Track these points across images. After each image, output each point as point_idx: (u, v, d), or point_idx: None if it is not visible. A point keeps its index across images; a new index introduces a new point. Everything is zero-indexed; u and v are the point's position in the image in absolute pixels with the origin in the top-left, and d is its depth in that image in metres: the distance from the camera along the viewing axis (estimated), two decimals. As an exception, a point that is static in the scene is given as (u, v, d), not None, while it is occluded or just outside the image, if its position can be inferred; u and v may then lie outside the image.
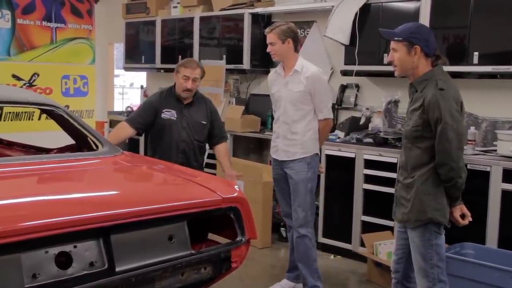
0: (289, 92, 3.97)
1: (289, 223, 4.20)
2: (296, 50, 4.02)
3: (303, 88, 3.90)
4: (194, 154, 4.14)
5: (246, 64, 6.16)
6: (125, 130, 4.12)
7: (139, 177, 3.14)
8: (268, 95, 6.17)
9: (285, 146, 4.03)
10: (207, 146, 4.35)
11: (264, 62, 6.25)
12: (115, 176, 3.12)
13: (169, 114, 4.13)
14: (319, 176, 4.26)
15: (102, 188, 2.79)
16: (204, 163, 4.36)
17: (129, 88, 18.62)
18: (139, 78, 15.58)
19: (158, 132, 4.15)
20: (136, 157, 3.53)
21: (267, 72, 6.32)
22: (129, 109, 7.44)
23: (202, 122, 4.16)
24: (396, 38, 2.95)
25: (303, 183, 3.94)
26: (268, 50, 4.02)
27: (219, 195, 2.80)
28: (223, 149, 4.28)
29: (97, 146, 3.37)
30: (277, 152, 4.10)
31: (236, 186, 3.02)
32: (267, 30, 4.03)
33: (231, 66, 6.27)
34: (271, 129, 5.78)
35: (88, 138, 3.43)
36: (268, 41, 4.00)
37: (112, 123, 7.49)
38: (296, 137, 3.98)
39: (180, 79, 4.11)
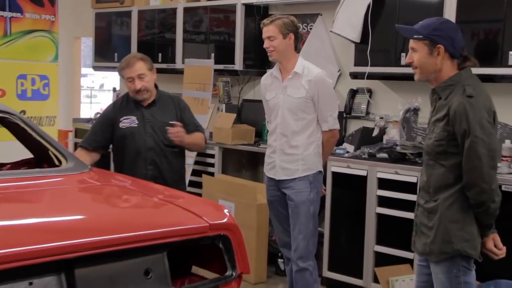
0: (288, 98, 3.98)
1: (287, 255, 4.19)
2: (297, 49, 4.04)
3: (305, 93, 3.93)
4: (168, 164, 4.12)
5: (238, 64, 6.18)
6: (83, 158, 4.03)
7: (110, 199, 3.12)
8: None
9: (283, 163, 4.02)
10: (190, 160, 4.34)
11: (259, 62, 6.27)
12: (81, 198, 3.10)
13: (128, 121, 4.13)
14: (322, 198, 4.26)
15: (65, 213, 2.76)
16: (185, 176, 4.31)
17: (99, 91, 18.65)
18: (110, 78, 15.64)
19: (120, 145, 4.15)
20: (107, 175, 3.53)
21: (263, 74, 6.34)
22: (98, 115, 7.42)
23: (170, 122, 4.13)
24: (415, 36, 2.96)
25: (304, 206, 3.94)
26: (265, 45, 4.01)
27: (205, 220, 2.78)
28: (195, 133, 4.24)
29: (60, 161, 3.36)
30: (273, 170, 4.09)
31: (225, 210, 3.01)
32: (265, 21, 4.03)
33: (221, 67, 6.28)
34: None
35: (49, 151, 3.42)
36: (266, 34, 4.00)
37: (78, 132, 7.49)
38: (296, 152, 3.98)
39: (126, 83, 4.14)
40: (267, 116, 4.22)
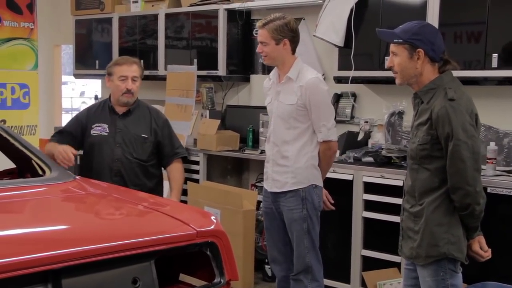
0: (280, 104, 3.87)
1: (274, 270, 4.16)
2: (294, 51, 3.90)
3: (296, 100, 3.79)
4: (135, 176, 4.09)
5: (221, 70, 6.22)
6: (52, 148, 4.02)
7: (95, 208, 3.13)
8: (249, 107, 6.30)
9: (274, 174, 3.93)
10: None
11: (243, 68, 6.36)
12: (67, 208, 3.09)
13: (99, 129, 4.13)
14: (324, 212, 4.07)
15: (50, 223, 2.77)
16: (156, 189, 4.22)
17: (80, 98, 18.60)
18: (92, 86, 15.54)
19: (88, 154, 4.17)
20: (92, 184, 3.51)
21: (247, 80, 6.46)
22: (73, 116, 7.39)
23: (142, 135, 4.12)
24: (396, 40, 3.01)
25: (297, 224, 3.84)
26: (258, 50, 3.90)
27: (192, 228, 2.79)
28: (173, 169, 4.18)
29: (43, 171, 3.34)
30: (267, 181, 4.01)
31: (212, 217, 3.02)
32: (259, 23, 3.87)
33: (204, 73, 6.31)
34: (253, 147, 5.87)
35: (32, 161, 3.41)
36: (259, 38, 3.86)
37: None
38: (286, 163, 3.86)
39: (116, 81, 4.12)
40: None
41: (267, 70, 6.20)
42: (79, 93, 19.10)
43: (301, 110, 3.81)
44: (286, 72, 3.86)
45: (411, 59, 2.97)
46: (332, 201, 4.12)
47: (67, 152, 3.88)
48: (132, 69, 4.13)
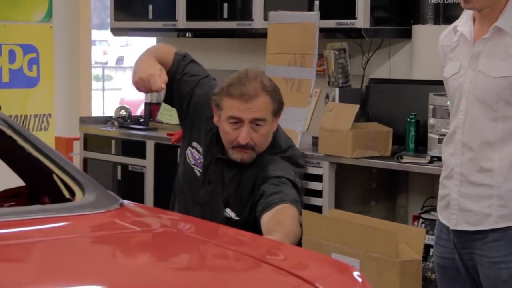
0: (480, 77, 3.79)
1: None
2: None
3: None
4: None
5: (361, 19, 6.24)
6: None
7: (163, 257, 3.11)
8: (410, 82, 6.17)
9: (464, 199, 3.87)
10: None
11: (398, 14, 6.45)
12: (111, 257, 3.08)
13: (195, 158, 4.16)
14: None
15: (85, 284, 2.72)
16: None
17: (116, 68, 18.94)
18: (137, 48, 15.76)
19: (180, 175, 4.31)
20: (151, 213, 3.61)
21: (406, 35, 6.47)
22: (123, 112, 7.55)
23: (226, 214, 4.14)
24: None
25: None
26: None
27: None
28: (278, 211, 3.98)
29: (71, 192, 3.36)
30: (447, 210, 3.97)
31: (356, 273, 3.12)
32: None
33: (331, 23, 6.36)
34: (416, 150, 5.89)
35: (54, 175, 3.44)
36: None
37: (89, 141, 7.55)
38: (489, 181, 3.82)
39: (224, 122, 4.03)
40: (450, 105, 4.09)
41: (442, 17, 6.15)
42: (115, 60, 19.43)
43: None
44: (494, 20, 3.77)
45: None
46: None
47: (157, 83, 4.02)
48: (253, 106, 3.96)
